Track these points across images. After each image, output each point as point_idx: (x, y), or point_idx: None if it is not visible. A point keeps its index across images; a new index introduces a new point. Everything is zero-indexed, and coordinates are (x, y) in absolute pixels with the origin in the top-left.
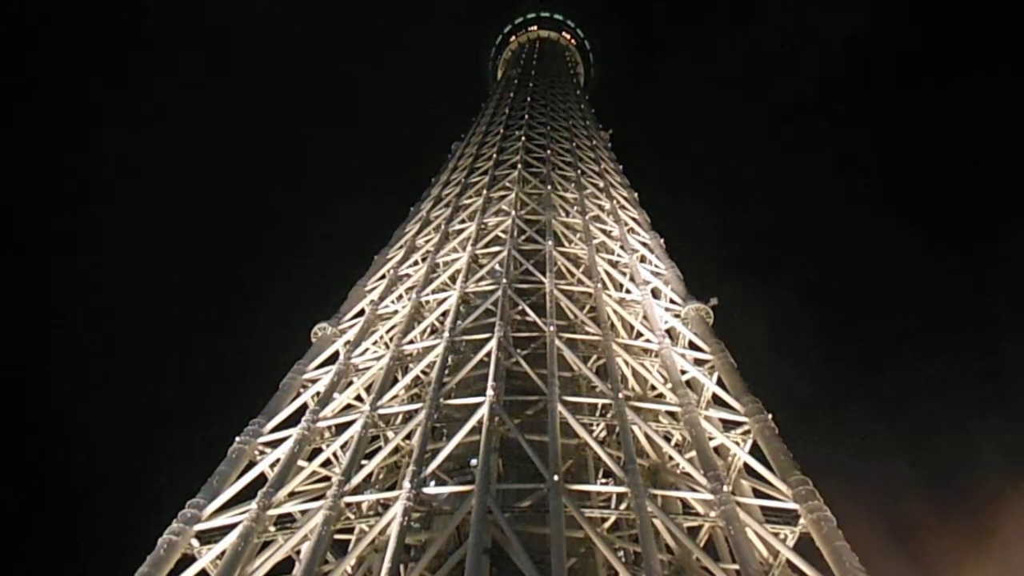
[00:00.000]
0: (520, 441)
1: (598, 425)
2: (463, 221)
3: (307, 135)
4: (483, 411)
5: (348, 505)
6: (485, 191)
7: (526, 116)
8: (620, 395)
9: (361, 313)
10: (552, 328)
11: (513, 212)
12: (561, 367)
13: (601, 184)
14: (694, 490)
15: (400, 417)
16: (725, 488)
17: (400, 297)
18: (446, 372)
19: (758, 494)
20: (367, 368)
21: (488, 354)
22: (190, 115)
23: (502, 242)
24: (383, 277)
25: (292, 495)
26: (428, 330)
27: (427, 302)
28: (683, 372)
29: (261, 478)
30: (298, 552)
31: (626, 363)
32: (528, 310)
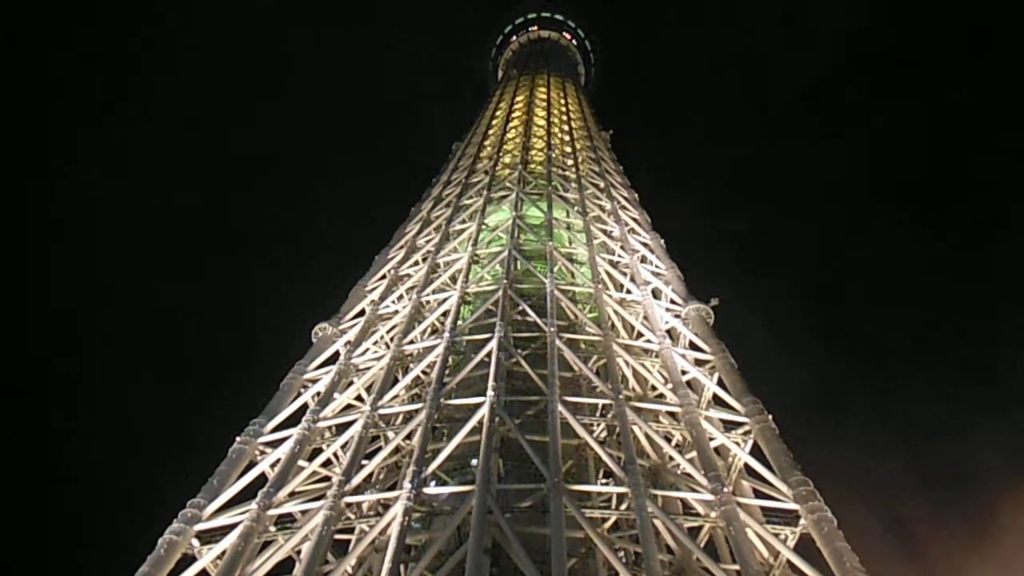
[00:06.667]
0: (520, 441)
1: (598, 425)
2: (464, 221)
3: (307, 134)
4: (483, 411)
5: (348, 505)
6: (485, 191)
7: (526, 116)
8: (620, 395)
9: (361, 313)
10: (553, 328)
11: (513, 212)
12: (561, 367)
13: (602, 184)
14: (694, 490)
15: (400, 417)
16: (725, 488)
17: (400, 297)
18: (446, 372)
19: (758, 494)
20: (368, 368)
21: (488, 354)
22: (190, 113)
23: (502, 242)
24: (384, 277)
25: (292, 495)
26: (428, 330)
27: (427, 302)
28: (684, 372)
29: (261, 478)
30: (298, 552)
31: (627, 363)
32: (528, 310)
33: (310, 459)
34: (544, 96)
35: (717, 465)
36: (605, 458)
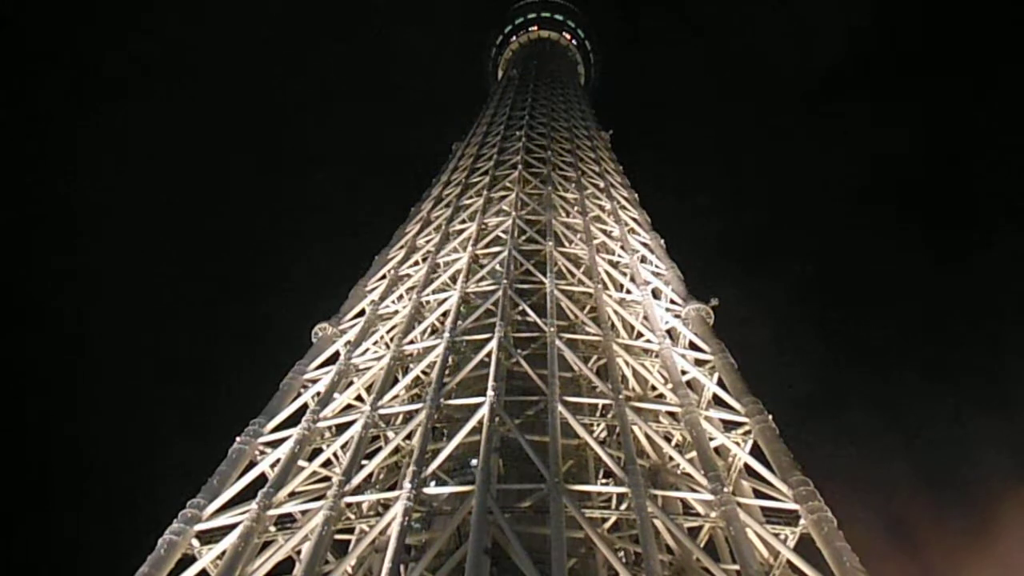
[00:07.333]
0: (520, 441)
1: (598, 425)
2: (464, 221)
3: (307, 134)
4: (483, 411)
5: (348, 505)
6: (486, 191)
7: (527, 116)
8: (620, 395)
9: (362, 313)
10: (552, 328)
11: (514, 212)
12: (561, 367)
13: (601, 184)
14: (694, 490)
15: (400, 417)
16: (725, 488)
17: (401, 297)
18: (446, 372)
19: (758, 494)
20: (368, 368)
21: (488, 354)
22: (190, 113)
23: (503, 242)
24: (384, 277)
25: (292, 495)
26: (428, 330)
27: (427, 302)
28: (683, 372)
29: (261, 478)
30: (298, 552)
31: (626, 363)
32: (528, 310)
33: (310, 459)
34: (544, 96)
35: (717, 465)
36: (605, 458)
